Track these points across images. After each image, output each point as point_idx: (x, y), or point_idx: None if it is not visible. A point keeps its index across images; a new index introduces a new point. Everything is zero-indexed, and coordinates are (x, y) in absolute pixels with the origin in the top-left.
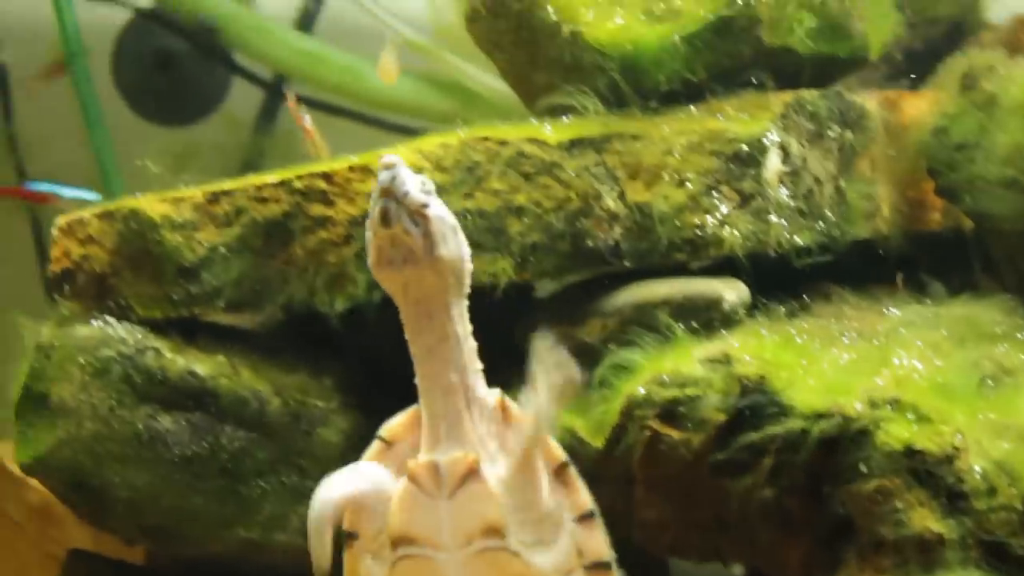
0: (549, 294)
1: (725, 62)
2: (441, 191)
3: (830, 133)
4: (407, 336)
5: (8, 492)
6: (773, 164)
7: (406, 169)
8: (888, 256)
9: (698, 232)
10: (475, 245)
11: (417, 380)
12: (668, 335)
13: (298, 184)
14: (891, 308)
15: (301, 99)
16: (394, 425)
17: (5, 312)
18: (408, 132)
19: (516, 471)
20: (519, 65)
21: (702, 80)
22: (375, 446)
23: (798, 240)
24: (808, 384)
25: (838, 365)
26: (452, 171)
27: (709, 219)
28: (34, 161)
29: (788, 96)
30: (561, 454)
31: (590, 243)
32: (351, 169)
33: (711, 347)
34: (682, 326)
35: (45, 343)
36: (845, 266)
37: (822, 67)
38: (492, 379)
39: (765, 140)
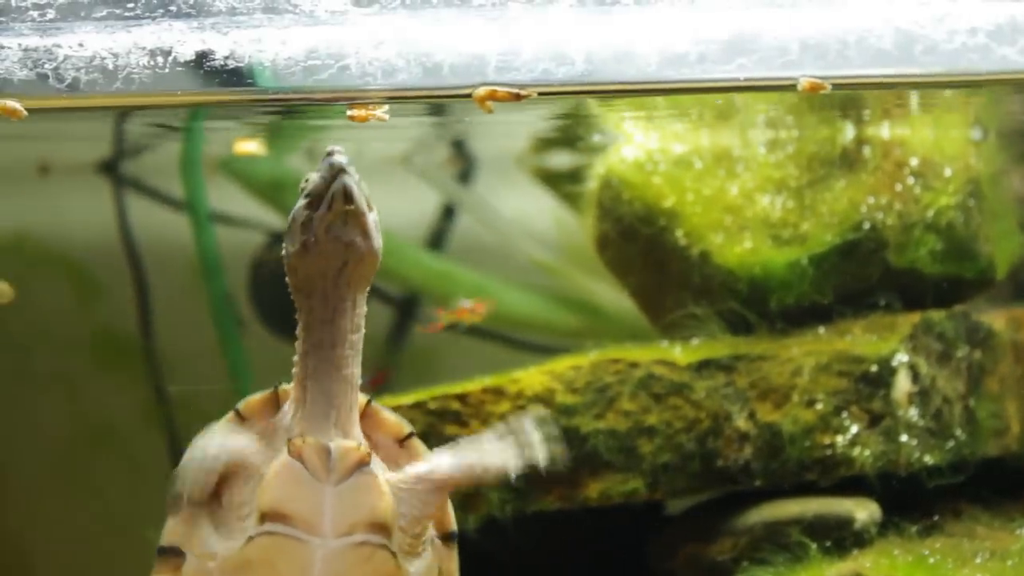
0: (680, 512)
1: (852, 284)
2: (572, 412)
3: (958, 353)
4: (313, 321)
5: None
6: (902, 384)
7: None
8: (1019, 473)
9: (828, 452)
10: (606, 465)
11: (311, 365)
12: (799, 554)
13: (432, 405)
14: None
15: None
16: (252, 402)
17: (141, 530)
18: (537, 349)
19: (416, 486)
20: (648, 286)
21: (830, 301)
22: (229, 418)
23: (928, 459)
24: None
25: None
26: (583, 392)
27: (839, 439)
28: (173, 373)
29: (916, 317)
30: None
31: (721, 463)
32: (484, 390)
33: (843, 567)
34: (814, 545)
35: None
36: (976, 484)
37: (949, 287)
38: None
39: (894, 361)
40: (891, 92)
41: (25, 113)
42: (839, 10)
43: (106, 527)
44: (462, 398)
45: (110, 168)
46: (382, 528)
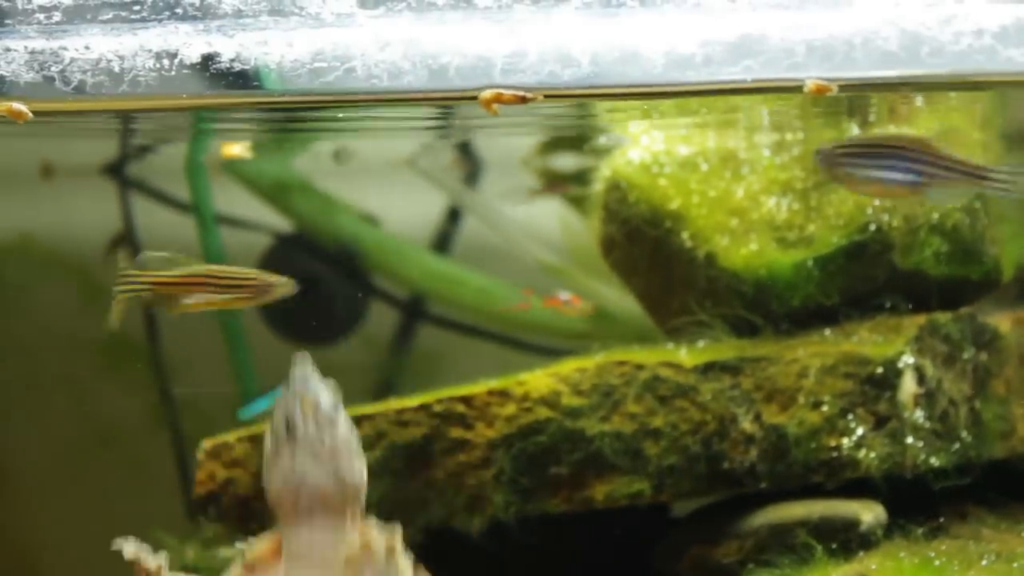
0: (686, 514)
1: (858, 285)
2: (578, 414)
3: (964, 355)
4: (287, 526)
5: None
6: (908, 386)
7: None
8: None
9: (834, 454)
10: (612, 467)
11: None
12: (805, 556)
13: (438, 408)
14: None
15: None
16: (257, 550)
17: (148, 531)
18: (542, 352)
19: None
20: (654, 288)
21: (835, 303)
22: (237, 572)
23: (934, 461)
24: None
25: None
26: (589, 395)
27: (845, 441)
28: (179, 376)
29: (921, 319)
30: None
31: (726, 465)
32: (489, 393)
33: (848, 569)
34: (820, 547)
35: (190, 564)
36: (982, 486)
37: (954, 289)
38: None
39: (900, 363)
40: (897, 94)
41: (31, 115)
42: (845, 12)
43: (111, 529)
44: (467, 400)
45: (115, 170)
46: None
